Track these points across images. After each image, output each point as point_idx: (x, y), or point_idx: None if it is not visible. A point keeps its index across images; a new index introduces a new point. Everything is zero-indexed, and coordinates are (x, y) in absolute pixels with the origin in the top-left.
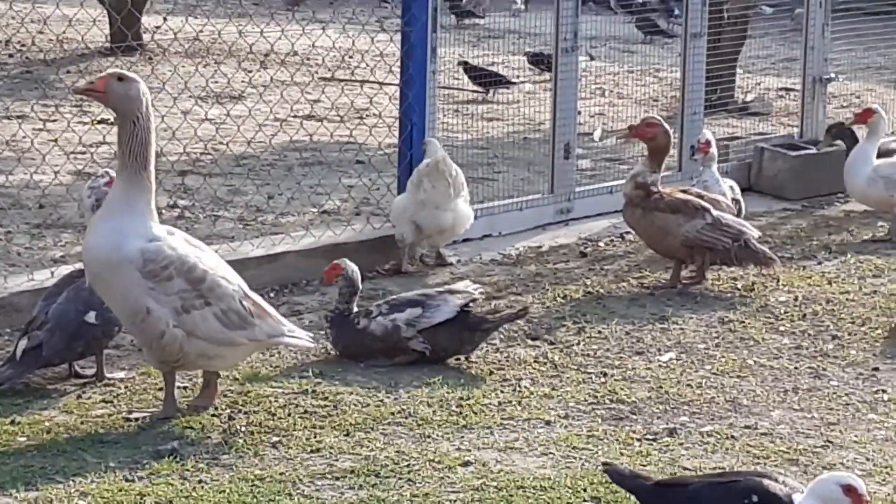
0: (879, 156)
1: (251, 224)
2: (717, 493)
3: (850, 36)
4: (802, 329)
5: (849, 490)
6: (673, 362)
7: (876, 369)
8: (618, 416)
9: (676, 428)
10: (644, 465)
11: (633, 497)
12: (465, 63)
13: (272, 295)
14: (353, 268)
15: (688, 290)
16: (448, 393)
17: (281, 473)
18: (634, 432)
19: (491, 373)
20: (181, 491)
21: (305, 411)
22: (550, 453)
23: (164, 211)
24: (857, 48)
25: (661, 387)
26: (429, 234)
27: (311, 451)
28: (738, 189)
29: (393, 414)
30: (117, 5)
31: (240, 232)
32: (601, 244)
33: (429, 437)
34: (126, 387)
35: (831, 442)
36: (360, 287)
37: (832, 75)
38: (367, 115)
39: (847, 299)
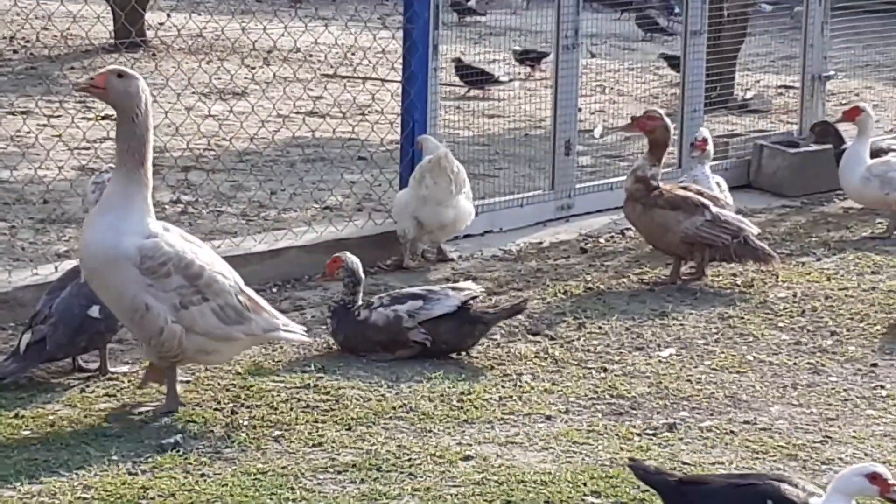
0: (870, 156)
1: (254, 219)
2: (731, 496)
3: (849, 34)
4: (801, 325)
5: (874, 478)
6: (672, 358)
7: (874, 365)
8: (618, 411)
9: (676, 423)
10: (643, 461)
11: (632, 494)
12: (458, 60)
13: (274, 290)
14: (353, 259)
15: (687, 287)
16: (449, 388)
17: (283, 467)
18: (634, 427)
19: (492, 368)
20: (184, 484)
21: (307, 405)
22: (551, 448)
23: (167, 206)
24: (856, 46)
25: (660, 382)
26: (430, 229)
27: (313, 445)
28: (724, 185)
29: (394, 408)
30: (121, 2)
31: (242, 227)
32: (601, 240)
33: (430, 431)
34: (129, 381)
35: (830, 437)
36: (363, 277)
37: (831, 73)
38: (369, 112)
39: (846, 296)
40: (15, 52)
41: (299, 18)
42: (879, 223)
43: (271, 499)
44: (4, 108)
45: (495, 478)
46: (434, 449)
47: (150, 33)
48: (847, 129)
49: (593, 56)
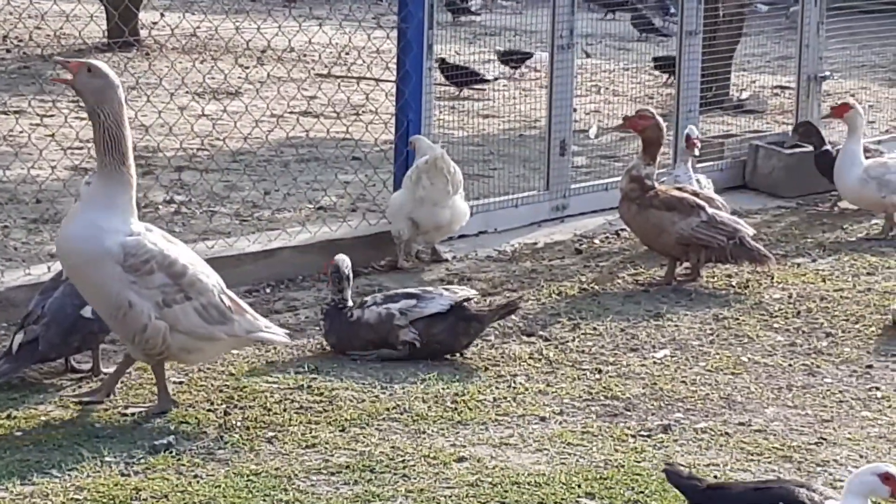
0: None
1: (247, 220)
2: (748, 499)
3: (844, 34)
4: (796, 326)
5: (887, 478)
6: (667, 359)
7: (870, 367)
8: (612, 412)
9: (671, 424)
10: (638, 462)
11: (627, 495)
12: (443, 61)
13: (268, 291)
14: (342, 257)
15: (682, 287)
16: (443, 389)
17: (276, 468)
18: (629, 429)
19: (486, 369)
20: (177, 485)
21: (301, 407)
22: (545, 449)
23: (160, 206)
24: (851, 46)
25: (655, 383)
26: (425, 230)
27: (307, 447)
28: (706, 183)
29: (388, 410)
30: (115, 1)
31: (236, 227)
32: (596, 241)
33: (424, 432)
34: (122, 381)
35: (825, 439)
36: (349, 274)
37: (827, 73)
38: (363, 112)
39: (841, 297)
40: (8, 51)
41: (293, 18)
42: (875, 224)
43: (264, 500)
44: None
45: (489, 479)
46: (428, 450)
47: (143, 33)
48: (837, 128)
49: (588, 56)
